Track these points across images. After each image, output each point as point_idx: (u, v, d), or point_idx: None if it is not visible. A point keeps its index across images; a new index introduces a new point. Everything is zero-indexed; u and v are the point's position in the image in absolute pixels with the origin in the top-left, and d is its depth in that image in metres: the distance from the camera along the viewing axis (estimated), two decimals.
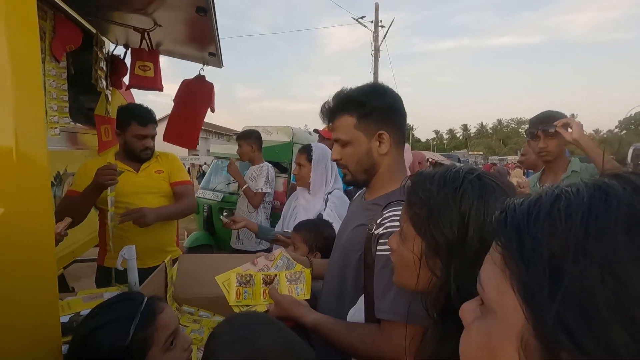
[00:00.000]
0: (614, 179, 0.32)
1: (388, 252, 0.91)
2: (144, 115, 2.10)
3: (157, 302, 0.88)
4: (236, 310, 1.08)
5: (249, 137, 3.38)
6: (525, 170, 4.40)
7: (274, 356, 0.68)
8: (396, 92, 1.12)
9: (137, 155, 2.10)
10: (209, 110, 3.19)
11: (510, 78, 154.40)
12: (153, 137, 2.16)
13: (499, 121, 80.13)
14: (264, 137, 5.83)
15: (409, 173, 1.11)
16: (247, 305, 1.09)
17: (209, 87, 3.17)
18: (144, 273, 1.35)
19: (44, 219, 0.74)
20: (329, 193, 2.06)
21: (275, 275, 1.19)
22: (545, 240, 0.30)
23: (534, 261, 0.30)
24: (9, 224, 0.66)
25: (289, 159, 5.35)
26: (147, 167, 2.15)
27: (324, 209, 1.99)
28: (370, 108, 1.06)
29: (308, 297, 1.19)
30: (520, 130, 75.83)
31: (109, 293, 1.38)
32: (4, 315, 0.69)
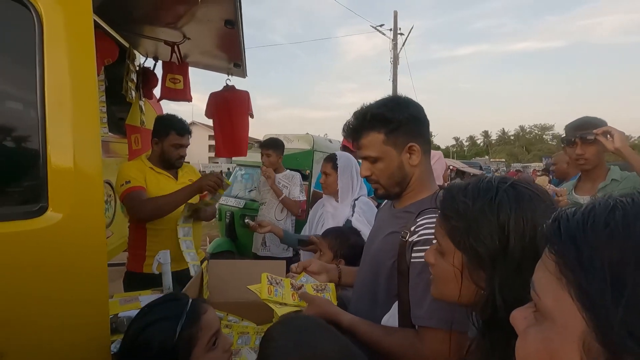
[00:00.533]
0: None
1: (423, 260, 0.92)
2: (183, 126, 2.27)
3: (201, 303, 0.92)
4: (270, 304, 1.08)
5: (278, 147, 3.45)
6: (550, 178, 4.28)
7: None
8: (416, 101, 1.13)
9: (172, 163, 2.24)
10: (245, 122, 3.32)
11: (532, 83, 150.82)
12: (187, 147, 2.31)
13: (521, 127, 78.15)
14: (285, 144, 5.92)
15: (439, 179, 1.13)
16: (279, 303, 1.09)
17: (246, 95, 3.29)
18: (175, 275, 1.41)
19: (97, 224, 0.79)
20: (356, 199, 2.09)
21: (302, 285, 1.20)
22: (604, 250, 0.31)
23: (593, 269, 0.31)
24: (68, 228, 0.71)
25: (309, 167, 5.40)
26: (183, 174, 2.33)
27: (352, 215, 2.01)
28: (397, 122, 1.06)
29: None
30: (544, 136, 73.65)
31: (144, 296, 1.43)
32: (62, 312, 0.74)
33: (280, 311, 1.05)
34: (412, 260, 0.97)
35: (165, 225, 2.07)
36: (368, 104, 1.12)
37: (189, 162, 2.64)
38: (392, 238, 1.07)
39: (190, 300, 0.91)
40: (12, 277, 0.68)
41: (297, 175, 3.43)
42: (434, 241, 0.92)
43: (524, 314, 0.41)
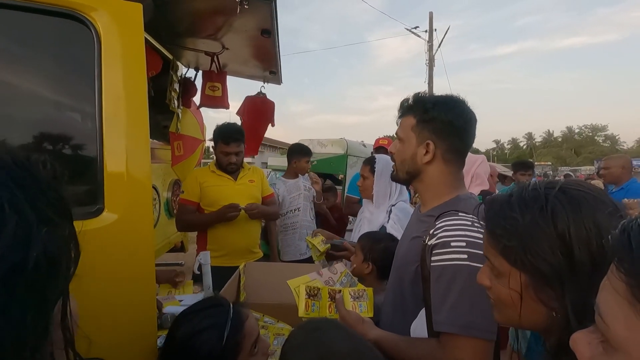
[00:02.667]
0: None
1: (443, 263, 0.92)
2: (227, 135, 2.51)
3: (242, 310, 0.95)
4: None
5: (310, 153, 3.52)
6: (604, 184, 3.97)
7: (342, 357, 0.69)
8: (473, 112, 1.10)
9: (224, 168, 2.51)
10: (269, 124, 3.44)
11: (581, 81, 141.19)
12: (237, 153, 2.53)
13: (569, 128, 73.30)
14: (318, 149, 5.97)
15: (483, 184, 1.11)
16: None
17: (271, 105, 3.41)
18: (230, 271, 1.56)
19: (147, 224, 0.86)
20: (393, 205, 2.05)
21: (340, 291, 1.21)
22: None
23: None
24: (121, 228, 0.78)
25: (343, 171, 5.40)
26: (243, 176, 2.60)
27: (387, 222, 1.98)
28: (431, 117, 1.08)
29: (371, 315, 1.18)
30: (595, 138, 68.60)
31: (180, 296, 1.50)
32: (114, 307, 0.80)
33: None
34: (431, 264, 0.95)
35: (223, 224, 2.34)
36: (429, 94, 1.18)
37: (253, 164, 3.07)
38: (415, 243, 1.06)
39: (232, 306, 0.93)
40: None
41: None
42: (457, 244, 0.91)
43: (588, 338, 0.35)
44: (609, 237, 0.33)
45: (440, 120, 1.07)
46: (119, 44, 0.87)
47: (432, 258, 0.95)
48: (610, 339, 0.32)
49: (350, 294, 1.21)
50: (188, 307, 0.92)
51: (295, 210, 3.39)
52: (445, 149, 1.08)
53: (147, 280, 0.86)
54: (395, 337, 1.00)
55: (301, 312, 1.13)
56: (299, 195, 3.36)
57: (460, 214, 0.99)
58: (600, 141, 67.03)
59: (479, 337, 0.84)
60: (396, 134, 1.17)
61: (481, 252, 0.85)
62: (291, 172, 3.46)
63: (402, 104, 1.17)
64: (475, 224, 0.94)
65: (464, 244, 0.91)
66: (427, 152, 1.08)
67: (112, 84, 0.88)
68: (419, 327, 1.02)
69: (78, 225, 0.88)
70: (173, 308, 1.39)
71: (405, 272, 1.07)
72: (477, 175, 2.42)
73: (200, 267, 1.47)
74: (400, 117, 1.18)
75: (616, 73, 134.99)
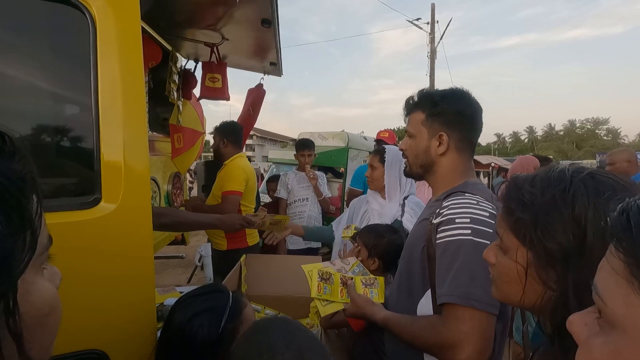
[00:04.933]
0: None
1: (447, 239, 0.93)
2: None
3: (241, 297, 0.94)
4: (317, 302, 1.16)
5: (314, 147, 3.58)
6: None
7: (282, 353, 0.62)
8: (478, 102, 1.13)
9: None
10: (256, 116, 3.51)
11: (583, 74, 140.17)
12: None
13: (571, 122, 72.91)
14: (319, 142, 5.95)
15: (474, 175, 1.13)
16: (326, 300, 1.16)
17: (262, 94, 3.46)
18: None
19: (145, 215, 0.84)
20: (405, 198, 1.99)
21: (352, 278, 1.25)
22: None
23: None
24: (119, 218, 0.76)
25: (344, 164, 5.39)
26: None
27: (401, 215, 1.93)
28: (440, 109, 1.10)
29: (382, 301, 1.22)
30: (597, 131, 68.28)
31: (181, 287, 1.50)
32: (113, 297, 0.78)
33: (323, 310, 1.14)
34: (437, 241, 0.97)
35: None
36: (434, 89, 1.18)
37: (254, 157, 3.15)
38: (422, 225, 1.08)
39: (232, 293, 0.93)
40: (69, 263, 0.73)
41: (322, 173, 3.67)
42: (461, 221, 0.92)
43: (584, 319, 0.36)
44: (607, 219, 0.34)
45: (449, 112, 1.10)
46: (115, 29, 0.85)
47: (437, 235, 0.98)
48: (609, 317, 0.33)
49: (361, 282, 1.25)
50: (187, 292, 0.91)
51: (303, 200, 3.50)
52: (458, 138, 1.11)
53: (146, 271, 0.85)
54: (400, 317, 1.04)
55: (313, 293, 1.16)
56: (308, 186, 3.47)
57: (466, 194, 1.02)
58: (602, 135, 66.75)
59: (479, 308, 0.85)
60: (406, 130, 1.19)
61: (485, 229, 0.90)
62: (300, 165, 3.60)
63: (407, 102, 1.19)
64: (481, 203, 0.97)
65: (467, 220, 0.93)
66: (440, 143, 1.11)
67: (109, 72, 0.86)
68: (425, 307, 1.03)
69: (76, 215, 0.87)
70: (174, 300, 1.38)
71: (413, 254, 1.09)
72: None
73: (201, 259, 1.46)
74: (407, 114, 1.19)
75: (618, 66, 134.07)
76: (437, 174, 1.14)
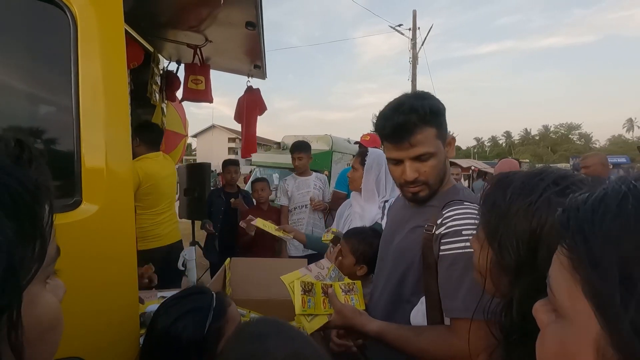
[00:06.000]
0: None
1: (455, 252, 0.92)
2: None
3: (224, 297, 0.93)
4: (301, 319, 1.07)
5: (309, 149, 3.40)
6: None
7: None
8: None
9: None
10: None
11: (557, 81, 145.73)
12: None
13: (546, 127, 75.61)
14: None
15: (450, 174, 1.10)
16: (311, 315, 1.08)
17: (257, 95, 3.38)
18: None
19: (128, 217, 0.82)
20: (387, 201, 1.97)
21: (331, 285, 1.18)
22: (614, 244, 0.28)
23: (603, 267, 0.28)
24: (102, 219, 0.74)
25: (328, 168, 5.40)
26: None
27: (382, 218, 1.93)
28: (444, 115, 1.04)
29: (363, 307, 1.18)
30: (570, 136, 70.95)
31: (164, 292, 1.46)
32: (94, 303, 0.76)
33: (310, 327, 1.05)
34: (441, 253, 0.96)
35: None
36: (401, 98, 1.04)
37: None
38: (416, 233, 1.06)
39: (215, 294, 0.92)
40: None
41: (325, 177, 3.53)
42: (468, 233, 0.90)
43: (546, 307, 0.37)
44: (555, 216, 0.36)
45: (444, 115, 1.04)
46: (97, 28, 0.83)
47: (442, 247, 0.95)
48: (558, 308, 0.34)
49: (341, 288, 1.20)
50: (170, 296, 0.90)
51: (303, 207, 3.36)
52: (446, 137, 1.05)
53: (128, 275, 0.83)
54: (399, 328, 1.00)
55: (298, 309, 1.07)
56: (307, 192, 3.32)
57: (465, 203, 0.98)
58: (575, 139, 69.43)
59: (493, 319, 0.85)
60: (419, 154, 1.01)
61: None
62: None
63: (399, 125, 1.00)
64: None
65: (474, 232, 0.91)
66: (450, 147, 1.06)
67: (90, 71, 0.84)
68: (419, 314, 1.02)
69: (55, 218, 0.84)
70: (156, 307, 1.35)
71: (404, 262, 1.07)
72: None
73: (184, 263, 1.44)
74: (409, 137, 1.00)
75: (590, 74, 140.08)
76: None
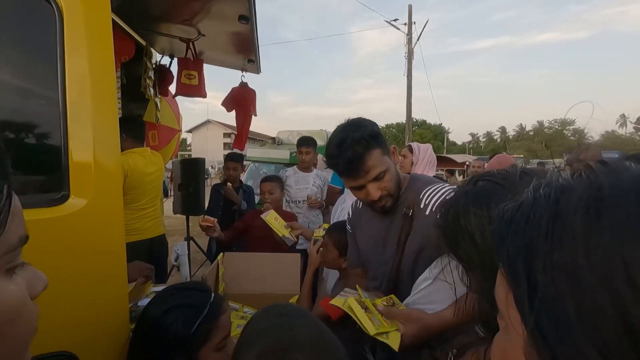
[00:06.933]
0: (580, 176, 0.30)
1: None
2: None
3: (222, 302, 0.92)
4: (379, 338, 0.95)
5: (315, 144, 3.34)
6: None
7: (303, 346, 0.67)
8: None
9: None
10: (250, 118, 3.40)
11: (552, 76, 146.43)
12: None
13: (540, 123, 75.99)
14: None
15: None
16: (384, 332, 0.96)
17: (251, 94, 3.34)
18: None
19: (117, 212, 0.82)
20: None
21: (383, 305, 1.05)
22: (522, 251, 0.29)
23: (517, 273, 0.30)
24: (90, 213, 0.74)
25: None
26: None
27: None
28: (381, 134, 1.15)
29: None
30: (564, 132, 71.40)
31: (156, 287, 1.46)
32: (83, 296, 0.76)
33: (394, 343, 0.93)
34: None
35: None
36: (341, 135, 1.12)
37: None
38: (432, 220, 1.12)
39: (213, 295, 0.91)
40: (36, 262, 0.70)
41: (325, 175, 3.40)
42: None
43: (499, 317, 0.38)
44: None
45: (380, 133, 1.15)
46: (84, 20, 0.82)
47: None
48: (500, 313, 0.35)
49: (384, 304, 1.07)
50: (171, 285, 0.89)
51: (299, 202, 3.32)
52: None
53: (118, 269, 0.83)
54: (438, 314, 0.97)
55: (372, 330, 0.94)
56: (305, 189, 3.29)
57: (434, 183, 1.17)
58: (569, 135, 69.92)
59: None
60: (374, 176, 1.12)
61: None
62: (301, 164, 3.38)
63: (349, 163, 1.10)
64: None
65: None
66: (394, 155, 1.21)
67: (77, 64, 0.82)
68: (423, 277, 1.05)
69: (42, 212, 0.83)
70: (147, 301, 1.35)
71: (430, 245, 1.08)
72: (432, 160, 2.79)
73: (177, 258, 1.43)
74: (362, 167, 1.10)
75: (583, 69, 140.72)
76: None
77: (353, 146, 1.08)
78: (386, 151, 1.16)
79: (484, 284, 0.56)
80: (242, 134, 3.50)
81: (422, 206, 1.13)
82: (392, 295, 1.12)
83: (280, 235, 1.97)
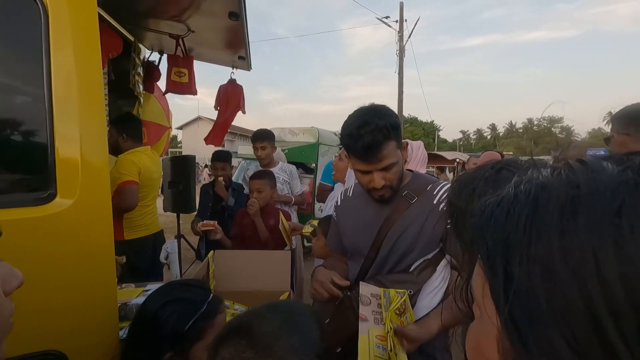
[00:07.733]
0: (560, 172, 0.31)
1: None
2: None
3: (220, 302, 0.92)
4: None
5: (272, 138, 3.13)
6: None
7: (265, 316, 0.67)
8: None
9: None
10: (239, 112, 3.35)
11: (541, 75, 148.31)
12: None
13: (529, 120, 77.04)
14: (290, 138, 5.92)
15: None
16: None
17: (239, 90, 3.30)
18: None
19: (105, 210, 0.81)
20: None
21: (391, 322, 1.04)
22: (501, 244, 0.30)
23: (494, 265, 0.30)
24: (77, 212, 0.73)
25: (314, 160, 5.41)
26: None
27: None
28: (400, 128, 1.18)
29: (414, 319, 1.12)
30: (553, 129, 72.49)
31: (152, 285, 1.46)
32: (72, 295, 0.75)
33: None
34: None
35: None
36: (365, 118, 1.13)
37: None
38: (433, 214, 1.18)
39: (212, 295, 0.91)
40: (21, 262, 0.70)
41: (294, 168, 3.26)
42: None
43: (475, 306, 0.39)
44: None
45: (400, 127, 1.18)
46: (69, 17, 0.81)
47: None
48: (476, 302, 0.36)
49: (396, 313, 1.09)
50: (175, 280, 0.89)
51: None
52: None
53: (106, 269, 0.82)
54: (440, 308, 1.11)
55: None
56: (280, 187, 3.10)
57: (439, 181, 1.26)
58: (557, 132, 71.00)
59: None
60: (386, 165, 1.15)
61: None
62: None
63: (369, 145, 1.11)
64: None
65: None
66: (404, 150, 1.23)
67: (63, 62, 0.81)
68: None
69: (28, 212, 0.82)
70: (139, 299, 1.34)
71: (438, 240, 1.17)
72: (424, 157, 2.72)
73: (167, 257, 1.43)
74: (378, 153, 1.12)
75: (571, 67, 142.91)
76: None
77: (375, 132, 1.10)
78: (400, 145, 1.18)
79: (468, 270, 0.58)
80: (223, 129, 3.44)
81: (428, 194, 1.20)
82: (405, 297, 1.13)
83: (288, 244, 2.09)
